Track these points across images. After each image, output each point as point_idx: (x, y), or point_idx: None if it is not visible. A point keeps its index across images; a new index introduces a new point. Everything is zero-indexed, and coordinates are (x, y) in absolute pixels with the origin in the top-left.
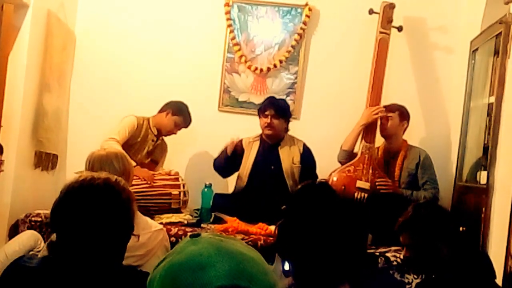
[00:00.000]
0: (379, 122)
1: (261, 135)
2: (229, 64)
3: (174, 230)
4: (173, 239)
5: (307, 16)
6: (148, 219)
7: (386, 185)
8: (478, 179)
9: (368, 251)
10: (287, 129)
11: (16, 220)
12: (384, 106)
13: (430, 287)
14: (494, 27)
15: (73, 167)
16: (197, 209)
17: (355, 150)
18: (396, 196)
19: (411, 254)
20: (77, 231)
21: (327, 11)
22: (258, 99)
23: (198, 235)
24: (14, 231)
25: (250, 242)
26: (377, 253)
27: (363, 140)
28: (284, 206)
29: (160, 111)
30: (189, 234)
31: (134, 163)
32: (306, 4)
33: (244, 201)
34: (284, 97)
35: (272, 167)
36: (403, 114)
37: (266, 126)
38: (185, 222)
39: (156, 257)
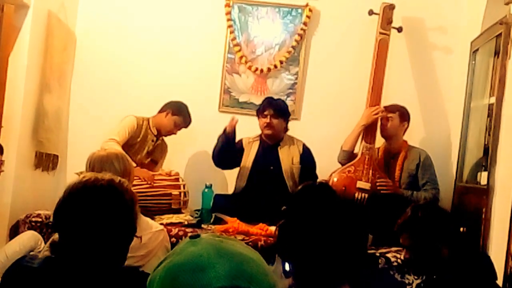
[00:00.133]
0: (379, 123)
1: (260, 135)
2: (229, 64)
3: (174, 230)
4: (173, 239)
5: (308, 16)
6: (148, 219)
7: (386, 185)
8: (478, 179)
9: (369, 251)
10: (286, 129)
11: (17, 220)
12: (385, 107)
13: None
14: (495, 28)
15: (73, 168)
16: (198, 210)
17: (355, 151)
18: (397, 197)
19: (411, 255)
20: (80, 232)
21: (328, 12)
22: (259, 100)
23: (198, 236)
24: (14, 231)
25: (250, 243)
26: (378, 254)
27: (363, 141)
28: (284, 207)
29: (160, 111)
30: (189, 235)
31: (134, 164)
32: (307, 5)
33: (244, 202)
34: (284, 97)
35: (272, 167)
36: (404, 115)
37: (266, 126)
38: (186, 222)
39: (156, 258)
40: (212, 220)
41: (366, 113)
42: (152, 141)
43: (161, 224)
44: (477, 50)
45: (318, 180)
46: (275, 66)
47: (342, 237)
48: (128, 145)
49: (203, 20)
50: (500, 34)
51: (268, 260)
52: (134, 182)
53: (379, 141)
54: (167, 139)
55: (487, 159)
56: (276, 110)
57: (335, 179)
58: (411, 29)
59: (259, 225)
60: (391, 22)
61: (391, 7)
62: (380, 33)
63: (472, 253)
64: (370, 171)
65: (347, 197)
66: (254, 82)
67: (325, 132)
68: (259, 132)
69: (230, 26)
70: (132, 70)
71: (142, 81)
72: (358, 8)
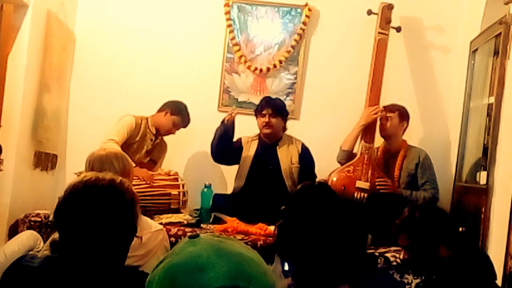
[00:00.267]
0: (378, 123)
1: (259, 134)
2: (228, 64)
3: (173, 230)
4: (172, 239)
5: (307, 16)
6: (148, 219)
7: (385, 185)
8: (477, 179)
9: (368, 251)
10: (285, 128)
11: (16, 220)
12: (384, 107)
13: None
14: (494, 28)
15: (72, 167)
16: (197, 209)
17: (355, 150)
18: (396, 196)
19: (409, 255)
20: (80, 231)
21: (327, 11)
22: (258, 99)
23: (197, 236)
24: (13, 231)
25: (249, 243)
26: (377, 254)
27: (362, 140)
28: (283, 207)
29: (159, 111)
30: (188, 234)
31: (133, 164)
32: (306, 5)
33: (243, 201)
34: (283, 97)
35: (271, 167)
36: (403, 115)
37: (264, 125)
38: (185, 222)
39: (156, 257)
40: (211, 220)
41: (365, 113)
42: (151, 140)
43: (160, 223)
44: (476, 50)
45: (317, 180)
46: (275, 66)
47: (341, 237)
48: (126, 145)
49: (202, 19)
50: (500, 34)
51: (267, 260)
52: (134, 182)
53: (379, 141)
54: (167, 139)
55: (487, 159)
56: (275, 109)
57: (334, 179)
58: (410, 29)
59: (258, 225)
60: (390, 22)
61: (390, 7)
62: (379, 33)
63: (471, 253)
64: (369, 170)
65: (346, 197)
66: (253, 82)
67: (324, 131)
68: (259, 131)
69: (229, 26)
70: (132, 70)
71: (141, 81)
72: (357, 8)
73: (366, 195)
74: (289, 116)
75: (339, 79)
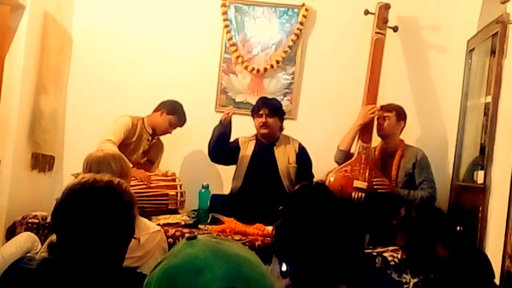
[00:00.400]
0: (376, 122)
1: (256, 135)
2: (226, 64)
3: (171, 231)
4: (170, 240)
5: (304, 16)
6: (146, 220)
7: (383, 184)
8: (475, 178)
9: (366, 251)
10: (281, 128)
11: (13, 221)
12: (381, 106)
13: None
14: (491, 27)
15: (70, 169)
16: (195, 210)
17: (352, 150)
18: (393, 196)
19: (407, 255)
20: (78, 233)
21: (324, 11)
22: (255, 100)
23: (195, 237)
24: (11, 232)
25: (247, 243)
26: (375, 253)
27: (359, 140)
28: (281, 207)
29: (155, 111)
30: (186, 235)
31: (131, 165)
32: (303, 5)
33: (241, 202)
34: (281, 97)
35: (268, 167)
36: (400, 114)
37: (262, 125)
38: (183, 223)
39: (154, 259)
40: (209, 220)
41: (362, 112)
42: (148, 140)
43: (158, 224)
44: (473, 49)
45: (314, 180)
46: (272, 66)
47: (339, 237)
48: (123, 145)
49: (199, 20)
50: (496, 33)
51: (265, 260)
52: (131, 183)
53: (376, 141)
54: (164, 140)
55: (484, 158)
56: (271, 109)
57: (332, 179)
58: (407, 29)
59: (256, 225)
60: (386, 21)
61: (387, 6)
62: (376, 32)
63: (469, 252)
64: (367, 170)
65: (344, 197)
66: (250, 82)
67: (322, 131)
68: (256, 132)
69: (226, 26)
70: (129, 71)
71: (138, 82)
72: (354, 8)
73: (363, 194)
74: (286, 116)
75: (336, 79)
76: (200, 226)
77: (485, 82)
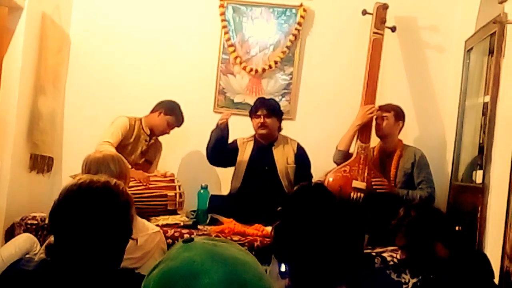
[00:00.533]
0: (374, 122)
1: (254, 135)
2: (224, 65)
3: (170, 232)
4: (169, 241)
5: (302, 17)
6: (145, 221)
7: (382, 184)
8: (473, 178)
9: (365, 251)
10: (280, 128)
11: (12, 223)
12: (380, 106)
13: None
14: (489, 27)
15: (68, 170)
16: (194, 211)
17: (351, 150)
18: (392, 196)
19: (406, 255)
20: (75, 234)
21: (322, 12)
22: (254, 100)
23: (191, 239)
24: (10, 234)
25: (246, 244)
26: (374, 253)
27: (358, 140)
28: (280, 208)
29: (152, 111)
30: (182, 238)
31: (129, 166)
32: (301, 5)
33: (240, 202)
34: (279, 98)
35: (267, 167)
36: (398, 114)
37: (260, 126)
38: (182, 224)
39: (153, 260)
40: (208, 221)
41: (360, 112)
42: (146, 141)
43: (157, 225)
44: (471, 49)
45: (313, 180)
46: (270, 67)
47: (338, 238)
48: (121, 146)
49: (197, 20)
50: (494, 32)
51: (264, 261)
52: (130, 184)
53: (375, 141)
54: (162, 140)
55: (482, 158)
56: (269, 110)
57: (331, 179)
58: (405, 29)
59: (255, 226)
60: (384, 21)
61: (385, 6)
62: (374, 32)
63: (469, 251)
64: (366, 170)
65: (343, 197)
66: (249, 83)
67: (320, 132)
68: (254, 132)
69: (224, 27)
70: (127, 72)
71: (137, 83)
72: (351, 8)
73: (362, 195)
74: (285, 117)
75: (334, 79)
76: (199, 226)
77: (483, 81)
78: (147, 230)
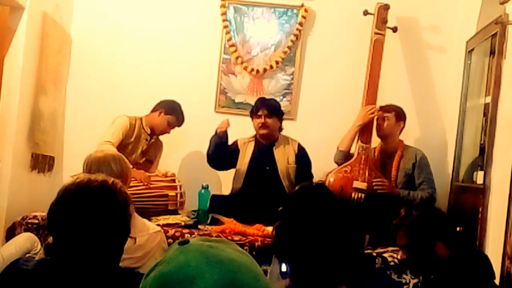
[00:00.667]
0: (375, 123)
1: (255, 136)
2: (225, 65)
3: (171, 231)
4: (170, 240)
5: (303, 17)
6: (145, 221)
7: (382, 185)
8: (474, 179)
9: (366, 251)
10: (280, 128)
11: (13, 222)
12: (381, 107)
13: None
14: (490, 27)
15: (69, 169)
16: (194, 211)
17: (352, 151)
18: (393, 197)
19: (407, 254)
20: (73, 234)
21: (323, 12)
22: (255, 100)
23: (187, 241)
24: (10, 233)
25: (247, 243)
26: (374, 254)
27: (359, 141)
28: (281, 208)
29: (153, 111)
30: (185, 236)
31: (130, 165)
32: (302, 5)
33: (241, 202)
34: (280, 98)
35: (268, 167)
36: (399, 115)
37: (261, 126)
38: (182, 223)
39: (154, 259)
40: (208, 221)
41: (361, 112)
42: (146, 140)
43: (158, 225)
44: (472, 49)
45: (314, 180)
46: (271, 67)
47: (339, 238)
48: (122, 146)
49: (198, 21)
50: (496, 33)
51: (265, 261)
52: (131, 183)
53: (375, 141)
54: (163, 140)
55: (483, 159)
56: (270, 110)
57: (332, 179)
58: (406, 29)
59: (256, 226)
60: (386, 22)
61: (386, 7)
62: (375, 33)
63: (469, 252)
64: (367, 171)
65: (344, 197)
66: (250, 83)
67: (321, 132)
68: (255, 133)
69: (225, 27)
70: (128, 71)
71: (138, 82)
72: (353, 8)
73: (363, 195)
74: (286, 117)
75: (335, 80)
76: (200, 226)
77: (485, 82)
78: (148, 230)
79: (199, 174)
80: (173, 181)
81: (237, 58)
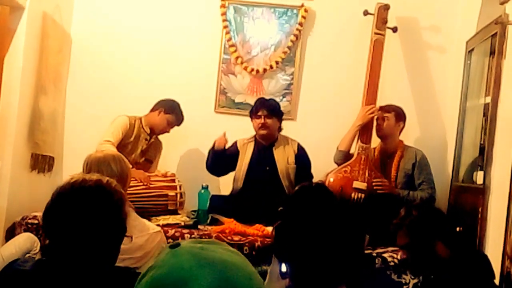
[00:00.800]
0: (375, 123)
1: (255, 136)
2: (225, 65)
3: (171, 232)
4: (170, 240)
5: (303, 17)
6: (145, 221)
7: (382, 185)
8: (474, 179)
9: (365, 251)
10: (280, 129)
11: (13, 222)
12: (380, 107)
13: None
14: (490, 28)
15: (69, 169)
16: (194, 211)
17: (352, 151)
18: (393, 197)
19: (407, 254)
20: (69, 234)
21: (323, 12)
22: (254, 100)
23: (178, 245)
24: (10, 233)
25: (247, 244)
26: (374, 254)
27: (359, 141)
28: (280, 208)
29: (152, 110)
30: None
31: (130, 165)
32: (302, 5)
33: (241, 203)
34: (280, 98)
35: (267, 168)
36: (399, 115)
37: (261, 126)
38: (182, 223)
39: (154, 260)
40: (208, 221)
41: (361, 113)
42: (146, 140)
43: (158, 225)
44: (472, 49)
45: (314, 181)
46: (271, 67)
47: (339, 238)
48: (121, 145)
49: (198, 21)
50: (496, 33)
51: (265, 261)
52: (130, 183)
53: (375, 141)
54: (163, 139)
55: (483, 159)
56: (270, 110)
57: (331, 180)
58: (406, 29)
59: (255, 226)
60: (386, 22)
61: (386, 7)
62: (375, 33)
63: (469, 252)
64: (366, 171)
65: (344, 198)
66: (250, 83)
67: (321, 132)
68: (255, 133)
69: (225, 27)
70: (128, 71)
71: (138, 83)
72: (353, 9)
73: (363, 195)
74: (286, 117)
75: (335, 80)
76: (199, 226)
77: (485, 82)
78: (147, 230)
79: (199, 174)
80: (173, 181)
81: (237, 58)
